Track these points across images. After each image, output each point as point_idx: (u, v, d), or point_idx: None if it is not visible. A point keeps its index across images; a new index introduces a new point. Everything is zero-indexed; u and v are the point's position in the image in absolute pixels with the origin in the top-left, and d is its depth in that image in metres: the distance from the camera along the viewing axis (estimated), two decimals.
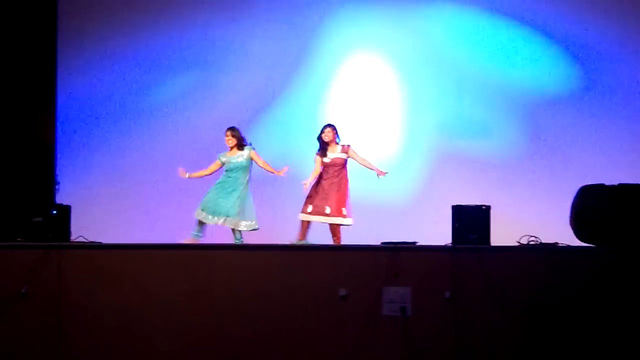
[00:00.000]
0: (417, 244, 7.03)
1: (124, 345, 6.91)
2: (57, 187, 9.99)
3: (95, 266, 7.03)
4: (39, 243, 7.21)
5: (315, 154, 8.54)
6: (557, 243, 6.86)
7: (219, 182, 8.46)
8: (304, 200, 8.45)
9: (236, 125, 8.56)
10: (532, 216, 8.75)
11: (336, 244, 8.28)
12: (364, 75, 9.91)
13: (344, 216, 8.36)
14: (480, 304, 6.53)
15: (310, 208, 8.38)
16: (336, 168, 8.45)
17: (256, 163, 8.47)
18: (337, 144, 8.52)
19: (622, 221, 6.56)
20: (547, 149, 9.43)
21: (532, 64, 9.57)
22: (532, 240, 6.91)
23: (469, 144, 9.57)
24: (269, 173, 8.52)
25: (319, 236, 8.40)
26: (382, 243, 7.06)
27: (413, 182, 9.64)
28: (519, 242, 6.91)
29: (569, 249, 6.76)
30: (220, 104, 9.87)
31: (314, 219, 8.37)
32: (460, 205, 7.03)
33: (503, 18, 9.65)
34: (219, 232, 8.51)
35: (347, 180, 8.48)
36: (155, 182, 9.77)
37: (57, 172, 10.07)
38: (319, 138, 8.53)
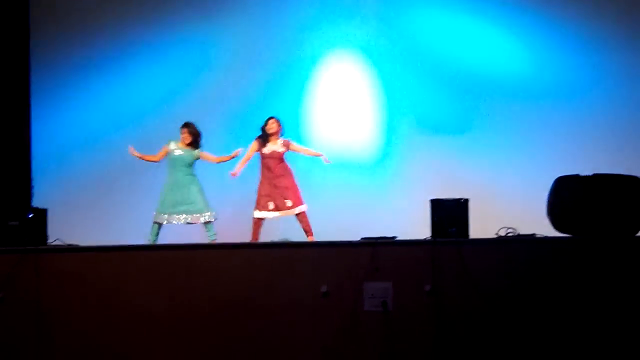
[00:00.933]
0: (397, 238, 7.04)
1: (103, 349, 6.86)
2: (32, 190, 9.91)
3: (72, 269, 6.99)
4: (16, 247, 7.13)
5: (253, 140, 8.51)
6: (534, 234, 6.89)
7: (171, 181, 8.45)
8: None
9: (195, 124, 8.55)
10: (510, 208, 8.78)
11: (309, 232, 8.34)
12: (341, 71, 9.90)
13: (303, 202, 8.43)
14: (460, 296, 6.56)
15: (271, 205, 8.37)
16: (275, 161, 8.45)
17: (210, 161, 8.54)
18: (280, 137, 8.52)
19: (597, 211, 6.60)
20: (524, 141, 9.46)
21: (509, 56, 9.60)
22: (510, 232, 6.94)
23: (447, 138, 9.59)
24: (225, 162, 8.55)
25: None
26: (362, 238, 7.05)
27: (391, 176, 9.65)
28: (497, 234, 6.94)
29: (546, 239, 6.79)
30: (202, 106, 9.83)
31: (277, 214, 8.38)
32: (439, 199, 7.04)
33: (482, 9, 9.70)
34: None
35: (291, 170, 8.51)
36: (132, 185, 9.70)
37: (33, 175, 9.99)
38: (262, 129, 8.51)
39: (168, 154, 8.52)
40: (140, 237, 8.46)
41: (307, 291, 6.68)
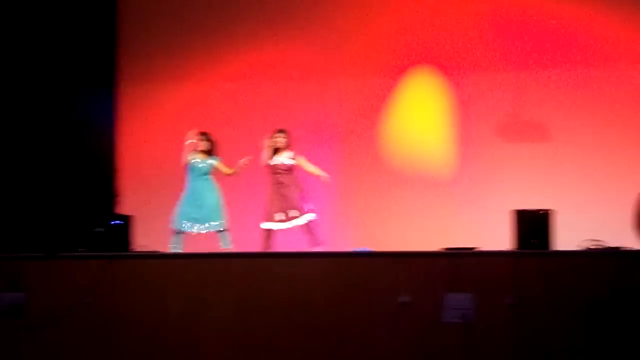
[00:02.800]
0: (478, 249, 6.95)
1: (182, 355, 6.95)
2: (118, 198, 10.13)
3: (155, 275, 7.08)
4: (102, 253, 7.30)
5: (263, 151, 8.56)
6: (620, 247, 6.70)
7: (190, 191, 8.56)
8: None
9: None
10: (595, 220, 8.59)
11: (316, 243, 8.32)
12: (419, 77, 9.85)
13: (311, 211, 8.43)
14: (543, 310, 6.43)
15: (278, 216, 8.42)
16: (283, 172, 8.50)
17: (223, 173, 8.61)
18: (287, 151, 8.57)
19: None
20: (609, 151, 9.25)
21: (594, 62, 9.41)
22: (595, 244, 6.78)
23: (529, 147, 9.45)
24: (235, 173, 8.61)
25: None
26: (442, 249, 6.99)
27: (473, 186, 9.55)
28: (581, 247, 6.78)
29: (633, 252, 6.60)
30: (283, 114, 9.94)
31: (282, 226, 8.42)
32: (521, 210, 6.93)
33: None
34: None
35: (299, 182, 8.53)
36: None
37: (118, 183, 10.22)
38: (270, 140, 8.56)
39: (190, 162, 8.63)
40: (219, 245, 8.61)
41: (386, 301, 6.62)
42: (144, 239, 8.27)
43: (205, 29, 10.26)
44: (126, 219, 7.80)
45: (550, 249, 6.79)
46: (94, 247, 7.48)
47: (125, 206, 9.92)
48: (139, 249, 7.81)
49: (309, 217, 8.44)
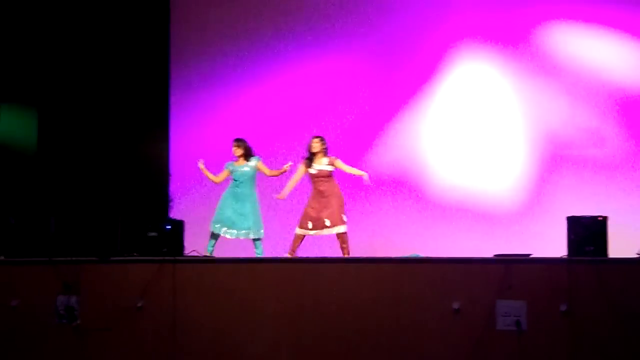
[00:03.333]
0: (531, 256, 6.86)
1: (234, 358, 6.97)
2: (171, 203, 10.22)
3: (207, 280, 7.12)
4: (154, 257, 7.35)
5: (299, 163, 8.62)
6: None
7: (228, 194, 8.69)
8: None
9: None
10: None
11: (346, 253, 8.34)
12: (474, 84, 9.81)
13: (344, 222, 8.43)
14: (598, 318, 6.33)
15: (310, 224, 8.44)
16: (323, 179, 8.50)
17: (263, 173, 8.68)
18: (325, 155, 8.55)
19: None
20: None
21: None
22: None
23: (584, 153, 9.33)
24: (278, 177, 8.72)
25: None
26: (495, 255, 6.91)
27: (526, 192, 9.47)
28: (638, 254, 6.64)
29: None
30: (329, 117, 9.96)
31: (312, 233, 8.47)
32: (576, 217, 6.83)
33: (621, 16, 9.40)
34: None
35: (339, 189, 8.57)
36: (263, 200, 9.87)
37: (171, 189, 10.32)
38: (307, 148, 8.60)
39: (231, 173, 8.74)
40: (268, 248, 8.63)
41: (438, 307, 6.58)
42: (195, 244, 8.34)
43: (255, 36, 10.32)
44: (179, 224, 7.85)
45: (606, 256, 6.66)
46: (147, 251, 7.55)
47: (177, 211, 10.01)
48: (190, 253, 7.86)
49: (340, 229, 8.46)
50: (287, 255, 8.43)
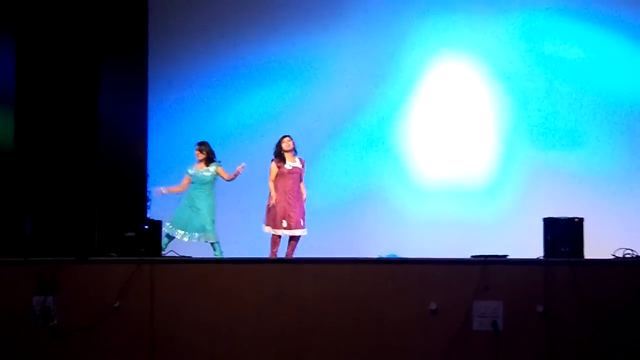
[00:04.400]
0: (508, 257, 6.90)
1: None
2: (148, 203, 10.19)
3: (185, 280, 7.10)
4: (132, 257, 7.32)
5: (271, 162, 8.62)
6: None
7: (186, 196, 8.72)
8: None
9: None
10: (627, 228, 8.51)
11: (289, 255, 8.42)
12: (451, 87, 9.86)
13: (303, 227, 8.52)
14: (574, 318, 6.38)
15: (285, 223, 8.47)
16: (295, 178, 8.56)
17: (222, 178, 8.70)
18: (295, 154, 8.61)
19: None
20: None
21: (629, 72, 9.34)
22: (628, 253, 6.70)
23: (561, 155, 9.40)
24: (233, 180, 8.76)
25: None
26: (472, 256, 6.94)
27: (503, 194, 9.53)
28: (614, 255, 6.71)
29: None
30: (313, 119, 9.96)
31: (288, 233, 8.51)
32: (553, 218, 6.88)
33: (597, 20, 9.47)
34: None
35: (303, 193, 8.62)
36: (241, 197, 9.87)
37: (149, 189, 10.28)
38: (278, 147, 8.60)
39: (190, 173, 8.76)
40: (249, 248, 8.62)
41: (416, 308, 6.61)
42: (173, 244, 8.36)
43: (233, 35, 10.31)
44: (157, 224, 7.83)
45: (582, 257, 6.72)
46: (124, 251, 7.52)
47: (155, 211, 9.97)
48: (168, 254, 7.83)
49: (303, 232, 8.53)
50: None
